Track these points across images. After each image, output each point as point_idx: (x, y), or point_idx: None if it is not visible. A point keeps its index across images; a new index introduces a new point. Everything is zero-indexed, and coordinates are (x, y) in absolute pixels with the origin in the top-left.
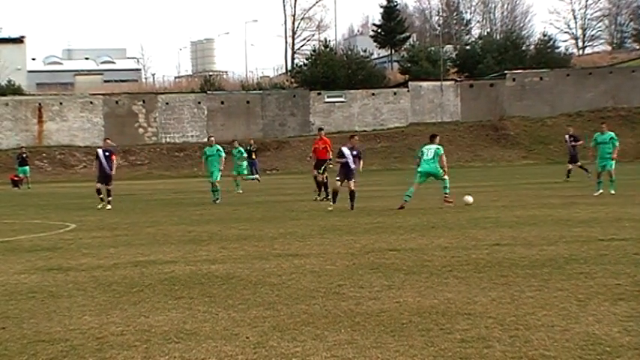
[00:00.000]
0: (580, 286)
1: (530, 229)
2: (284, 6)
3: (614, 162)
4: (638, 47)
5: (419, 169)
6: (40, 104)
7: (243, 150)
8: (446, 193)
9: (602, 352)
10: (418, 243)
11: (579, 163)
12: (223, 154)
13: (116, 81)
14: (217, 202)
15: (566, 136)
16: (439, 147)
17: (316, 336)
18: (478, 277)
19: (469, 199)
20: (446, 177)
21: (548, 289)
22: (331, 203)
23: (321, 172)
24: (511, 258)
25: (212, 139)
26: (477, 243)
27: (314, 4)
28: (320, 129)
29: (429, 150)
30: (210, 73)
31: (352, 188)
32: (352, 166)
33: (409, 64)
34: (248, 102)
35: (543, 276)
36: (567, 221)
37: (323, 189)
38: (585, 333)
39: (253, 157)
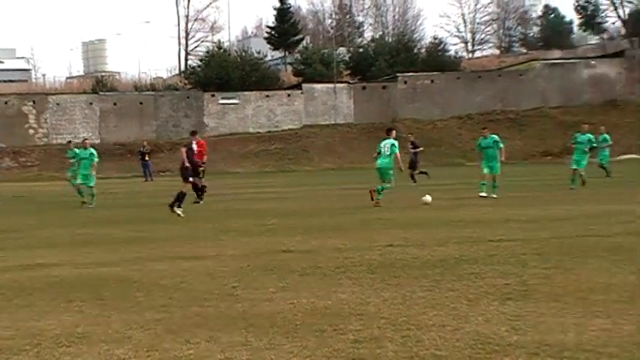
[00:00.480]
0: (470, 286)
1: (422, 231)
2: (177, 7)
3: (499, 165)
4: (525, 51)
5: (375, 166)
6: None
7: (78, 152)
8: (378, 199)
9: (491, 351)
10: (312, 244)
11: (418, 171)
12: (96, 159)
13: (5, 81)
14: (91, 206)
15: (409, 143)
16: (394, 141)
17: (210, 338)
18: (371, 277)
19: (428, 198)
20: (388, 185)
21: (439, 290)
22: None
23: (201, 176)
24: (403, 259)
25: (87, 141)
26: (370, 244)
27: (207, 6)
28: (193, 132)
29: (385, 145)
30: (103, 74)
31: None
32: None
33: (303, 66)
34: (141, 103)
35: (435, 276)
36: (458, 222)
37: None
38: (475, 332)
39: (146, 158)
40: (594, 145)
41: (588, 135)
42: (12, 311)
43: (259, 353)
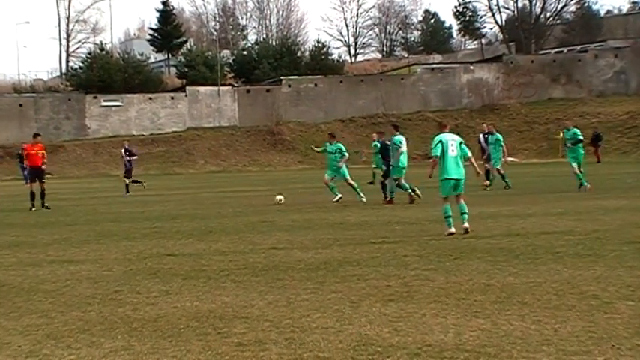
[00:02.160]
0: (353, 287)
1: (306, 233)
2: (57, 7)
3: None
4: (406, 55)
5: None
6: None
7: None
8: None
9: (374, 352)
10: (196, 248)
11: (131, 179)
12: None
13: None
14: None
15: (122, 150)
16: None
17: (92, 343)
18: (255, 280)
19: (279, 198)
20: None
21: (322, 292)
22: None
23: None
24: (287, 261)
25: None
26: (254, 247)
27: (88, 7)
28: (36, 134)
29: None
30: None
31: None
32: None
33: (186, 69)
34: (21, 105)
35: (318, 278)
36: (341, 224)
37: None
38: (358, 334)
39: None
40: (502, 144)
41: (574, 130)
42: None
43: (142, 357)
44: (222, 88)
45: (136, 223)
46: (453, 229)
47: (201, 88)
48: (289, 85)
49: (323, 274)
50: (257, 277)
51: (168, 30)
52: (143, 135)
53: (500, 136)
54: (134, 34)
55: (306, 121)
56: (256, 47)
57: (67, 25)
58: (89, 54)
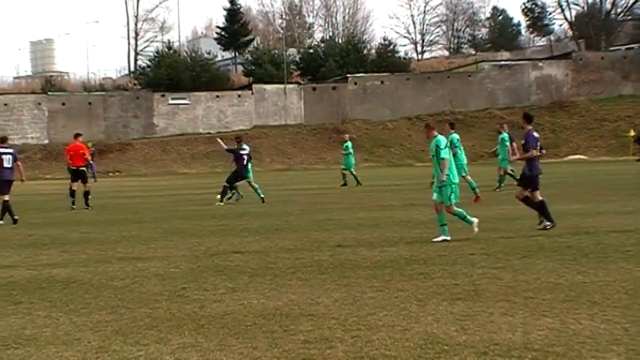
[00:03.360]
0: (419, 286)
1: (372, 231)
2: (126, 7)
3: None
4: (474, 53)
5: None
6: None
7: None
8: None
9: (441, 351)
10: (262, 245)
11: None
12: None
13: None
14: None
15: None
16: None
17: (160, 339)
18: (321, 278)
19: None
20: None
21: (389, 290)
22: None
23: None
24: (353, 259)
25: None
26: (320, 245)
27: (157, 6)
28: (77, 134)
29: None
30: (51, 74)
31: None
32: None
33: (253, 67)
34: (90, 103)
35: (384, 277)
36: (407, 223)
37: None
38: (424, 332)
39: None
40: (506, 144)
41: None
42: None
43: (209, 354)
44: (288, 86)
45: (203, 220)
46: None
47: (268, 86)
48: (355, 83)
49: (389, 272)
50: (323, 274)
51: (235, 28)
52: (210, 133)
53: (505, 136)
54: (201, 33)
55: (372, 119)
56: (323, 45)
57: (136, 24)
58: (157, 52)
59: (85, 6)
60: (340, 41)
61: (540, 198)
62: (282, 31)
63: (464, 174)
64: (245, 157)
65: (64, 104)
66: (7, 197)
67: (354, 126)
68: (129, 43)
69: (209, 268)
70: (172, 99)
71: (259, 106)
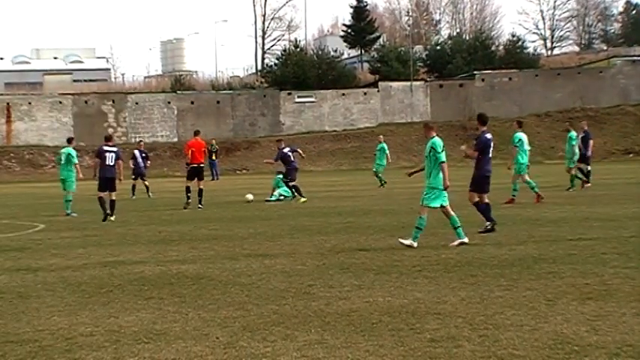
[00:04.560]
0: (549, 285)
1: (500, 229)
2: (254, 6)
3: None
4: (605, 48)
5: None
6: (8, 104)
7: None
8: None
9: (571, 352)
10: (388, 243)
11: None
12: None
13: (85, 81)
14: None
15: (136, 151)
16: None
17: (286, 336)
18: (448, 276)
19: (250, 196)
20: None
21: (517, 289)
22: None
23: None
24: (480, 258)
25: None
26: (446, 243)
27: (284, 4)
28: (197, 132)
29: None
30: (180, 73)
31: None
32: None
33: (379, 65)
34: (218, 102)
35: (512, 275)
36: (536, 221)
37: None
38: (554, 332)
39: (213, 157)
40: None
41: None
42: (92, 308)
43: (335, 351)
44: (414, 83)
45: (329, 217)
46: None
47: (394, 84)
48: (483, 80)
49: (517, 271)
50: (450, 273)
51: (361, 26)
52: (336, 131)
53: (573, 134)
54: (328, 31)
55: (500, 115)
56: (450, 42)
57: (263, 23)
58: (284, 51)
59: (214, 6)
60: (467, 38)
61: (478, 199)
62: (408, 28)
63: (522, 173)
64: (290, 154)
65: (192, 103)
66: (106, 194)
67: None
68: (256, 42)
69: (335, 265)
70: (299, 97)
71: (385, 103)
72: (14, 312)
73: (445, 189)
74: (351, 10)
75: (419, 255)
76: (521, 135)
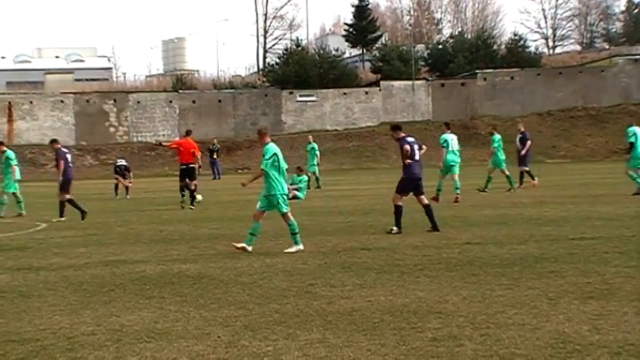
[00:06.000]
0: (550, 284)
1: (500, 228)
2: (256, 5)
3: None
4: (607, 47)
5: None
6: (9, 103)
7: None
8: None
9: (572, 351)
10: (389, 242)
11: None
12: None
13: (87, 80)
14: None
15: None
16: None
17: (288, 335)
18: (449, 275)
19: (199, 197)
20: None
21: (518, 288)
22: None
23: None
24: (482, 257)
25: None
26: (447, 242)
27: (285, 3)
28: (188, 131)
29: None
30: (182, 72)
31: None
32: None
33: (381, 64)
34: (220, 101)
35: (514, 274)
36: (537, 220)
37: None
38: (556, 331)
39: (215, 156)
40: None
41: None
42: (93, 307)
43: (337, 351)
44: (416, 82)
45: (330, 217)
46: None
47: (396, 83)
48: (485, 79)
49: (519, 270)
50: (451, 272)
51: (363, 25)
52: (337, 130)
53: (496, 137)
54: (330, 30)
55: (502, 115)
56: (451, 41)
57: (265, 22)
58: (285, 50)
59: (215, 5)
60: (469, 37)
61: (400, 203)
62: (410, 27)
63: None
64: None
65: (194, 102)
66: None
67: (483, 122)
68: (258, 41)
69: (336, 264)
70: (300, 96)
71: (387, 102)
72: (16, 311)
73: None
74: (353, 9)
75: (420, 254)
76: (448, 136)
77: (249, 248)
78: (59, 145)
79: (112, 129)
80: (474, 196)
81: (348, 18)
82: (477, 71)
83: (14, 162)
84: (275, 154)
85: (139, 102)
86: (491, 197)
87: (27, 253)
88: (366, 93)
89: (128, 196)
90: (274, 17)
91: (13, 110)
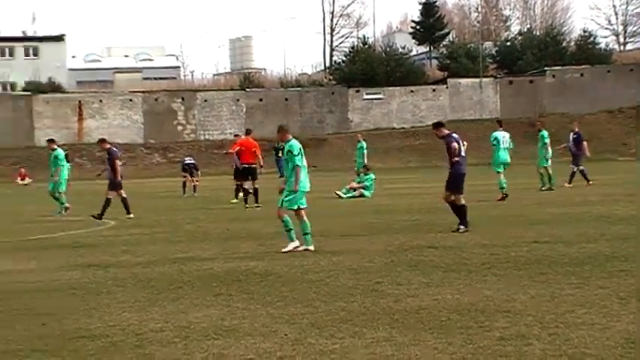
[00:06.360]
0: (621, 284)
1: (569, 227)
2: (322, 3)
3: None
4: None
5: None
6: (80, 102)
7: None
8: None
9: None
10: (456, 240)
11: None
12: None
13: (155, 78)
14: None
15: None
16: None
17: (354, 333)
18: (517, 274)
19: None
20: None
21: (588, 287)
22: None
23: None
24: (551, 255)
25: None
26: (515, 240)
27: (353, 1)
28: (248, 130)
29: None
30: (249, 71)
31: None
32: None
33: (448, 61)
34: (286, 99)
35: (583, 274)
36: (607, 218)
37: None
38: (626, 331)
39: (280, 155)
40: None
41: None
42: (162, 304)
43: (404, 349)
44: (484, 79)
45: (396, 215)
46: None
47: (463, 80)
48: (553, 76)
49: (589, 269)
50: (519, 270)
51: (430, 22)
52: (404, 127)
53: (544, 133)
54: (396, 28)
55: (570, 112)
56: (520, 38)
57: (332, 20)
58: (352, 48)
59: (282, 3)
60: (538, 33)
61: (464, 202)
62: (478, 24)
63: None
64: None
65: (261, 100)
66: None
67: (550, 120)
68: (324, 39)
69: (403, 262)
70: (367, 94)
71: (454, 100)
72: (86, 308)
73: (295, 192)
74: (420, 7)
75: (488, 253)
76: (499, 134)
77: (311, 247)
78: (109, 145)
79: (179, 127)
80: (539, 195)
81: (416, 15)
82: (545, 68)
83: (62, 162)
84: (301, 149)
85: (206, 100)
86: (557, 195)
87: (97, 250)
88: (433, 91)
89: (196, 194)
90: (341, 15)
91: (83, 109)
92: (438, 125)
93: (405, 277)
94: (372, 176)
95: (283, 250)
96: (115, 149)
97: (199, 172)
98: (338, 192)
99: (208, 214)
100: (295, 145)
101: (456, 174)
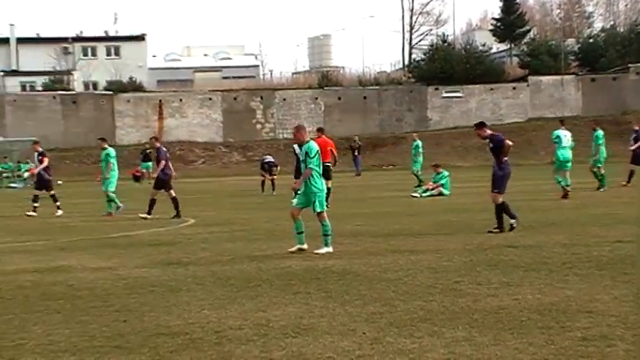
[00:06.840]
0: None
1: None
2: (402, 1)
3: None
4: None
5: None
6: (160, 101)
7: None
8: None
9: None
10: (536, 240)
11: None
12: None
13: (234, 77)
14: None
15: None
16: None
17: (433, 332)
18: (599, 274)
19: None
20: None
21: None
22: None
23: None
24: (633, 255)
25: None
26: (598, 240)
27: None
28: (320, 129)
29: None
30: (327, 69)
31: None
32: None
33: (529, 58)
34: (365, 97)
35: None
36: None
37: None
38: None
39: (356, 153)
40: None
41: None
42: (240, 302)
43: (483, 349)
44: (565, 77)
45: (474, 214)
46: None
47: (544, 78)
48: (637, 73)
49: None
50: (601, 270)
51: (511, 19)
52: None
53: (599, 133)
54: (476, 25)
55: None
56: (603, 35)
57: (411, 18)
58: (431, 46)
59: (361, 1)
60: (622, 30)
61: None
62: (560, 21)
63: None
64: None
65: (339, 99)
66: None
67: (635, 117)
68: (403, 37)
69: (482, 262)
70: (446, 92)
71: (534, 98)
72: (166, 305)
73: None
74: (501, 4)
75: (569, 252)
76: (561, 132)
77: (331, 249)
78: (159, 144)
79: (258, 126)
80: (624, 193)
81: (496, 13)
82: (629, 65)
83: (113, 160)
84: (318, 151)
85: (284, 99)
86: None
87: (176, 248)
88: (514, 88)
89: (274, 192)
90: (420, 13)
91: (164, 108)
92: (481, 125)
93: (485, 276)
94: (446, 174)
95: (290, 250)
96: (164, 149)
97: (278, 168)
98: (414, 194)
99: (287, 212)
100: (314, 147)
101: (505, 173)
